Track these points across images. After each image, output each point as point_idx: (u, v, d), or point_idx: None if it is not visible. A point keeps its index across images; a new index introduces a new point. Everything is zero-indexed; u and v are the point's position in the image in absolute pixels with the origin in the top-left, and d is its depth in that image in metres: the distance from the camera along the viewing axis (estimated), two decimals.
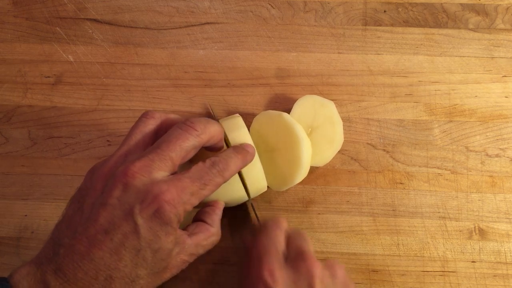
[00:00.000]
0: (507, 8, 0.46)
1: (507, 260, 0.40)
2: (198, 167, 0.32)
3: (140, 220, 0.28)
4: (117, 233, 0.28)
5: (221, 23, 0.46)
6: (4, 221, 0.42)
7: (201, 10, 0.47)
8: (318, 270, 0.32)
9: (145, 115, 0.33)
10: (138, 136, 0.33)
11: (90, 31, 0.46)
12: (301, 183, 0.41)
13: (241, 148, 0.35)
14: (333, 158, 0.41)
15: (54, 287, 0.27)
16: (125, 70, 0.45)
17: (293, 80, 0.45)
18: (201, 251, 0.34)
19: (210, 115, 0.43)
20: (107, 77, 0.45)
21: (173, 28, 0.46)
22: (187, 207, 0.30)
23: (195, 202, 0.31)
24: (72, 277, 0.28)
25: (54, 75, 0.45)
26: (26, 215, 0.42)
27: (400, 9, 0.46)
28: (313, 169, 0.42)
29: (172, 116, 0.34)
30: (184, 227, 0.35)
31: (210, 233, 0.35)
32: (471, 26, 0.46)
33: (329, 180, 0.42)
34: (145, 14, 0.47)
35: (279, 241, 0.35)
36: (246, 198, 0.39)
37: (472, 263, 0.40)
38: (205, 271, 0.40)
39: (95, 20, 0.47)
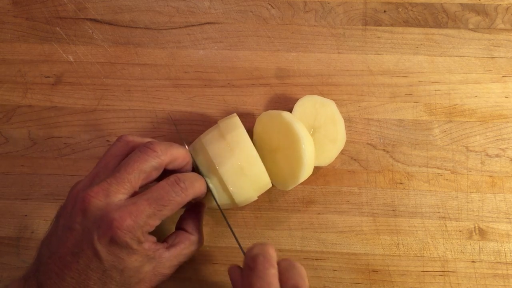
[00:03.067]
0: (507, 8, 0.46)
1: (507, 260, 0.40)
2: (159, 186, 0.32)
3: (99, 246, 0.30)
4: (82, 256, 0.30)
5: (221, 23, 0.46)
6: (4, 221, 0.42)
7: (201, 10, 0.47)
8: None
9: (118, 139, 0.35)
10: (108, 159, 0.34)
11: (90, 31, 0.46)
12: (301, 183, 0.41)
13: None
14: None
15: None
16: (125, 70, 0.45)
17: (293, 80, 0.45)
18: (182, 259, 0.35)
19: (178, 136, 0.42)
20: (107, 77, 0.45)
21: (173, 28, 0.46)
22: (146, 228, 0.31)
23: (154, 223, 0.32)
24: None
25: (54, 75, 0.45)
26: (26, 215, 0.42)
27: (400, 9, 0.46)
28: (313, 169, 0.42)
29: (146, 140, 0.34)
30: (165, 238, 0.35)
31: (190, 241, 0.35)
32: (471, 26, 0.46)
33: (329, 180, 0.42)
34: (145, 14, 0.47)
35: (273, 283, 0.30)
36: (255, 198, 0.38)
37: (472, 263, 0.40)
38: (205, 271, 0.40)
39: (95, 20, 0.47)
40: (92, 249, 0.30)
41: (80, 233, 0.31)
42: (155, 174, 0.33)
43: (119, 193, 0.31)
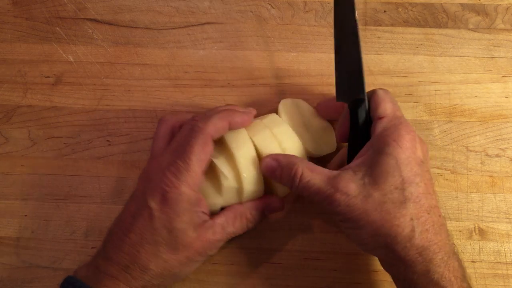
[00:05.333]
0: (507, 8, 0.46)
1: (507, 260, 0.40)
2: (178, 139, 0.36)
3: (152, 204, 0.34)
4: (139, 217, 0.34)
5: (221, 23, 0.46)
6: (4, 221, 0.42)
7: (201, 10, 0.47)
8: None
9: (159, 121, 0.39)
10: (159, 143, 0.38)
11: (90, 31, 0.46)
12: None
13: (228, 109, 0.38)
14: (334, 158, 0.41)
15: (102, 266, 0.34)
16: (125, 70, 0.45)
17: (293, 80, 0.45)
18: (230, 229, 0.36)
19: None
20: (107, 77, 0.45)
21: (173, 28, 0.46)
22: (190, 182, 0.34)
23: (196, 172, 0.34)
24: (113, 256, 0.34)
25: (54, 75, 0.45)
26: (26, 215, 0.42)
27: (400, 9, 0.46)
28: None
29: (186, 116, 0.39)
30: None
31: (238, 211, 0.37)
32: (471, 26, 0.46)
33: None
34: (145, 14, 0.47)
35: None
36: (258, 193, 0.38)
37: (472, 263, 0.40)
38: (205, 271, 0.40)
39: (95, 20, 0.47)
40: (147, 209, 0.34)
41: (138, 198, 0.35)
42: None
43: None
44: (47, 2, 0.47)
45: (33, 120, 0.44)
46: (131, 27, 0.46)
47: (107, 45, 0.46)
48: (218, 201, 0.37)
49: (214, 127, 0.35)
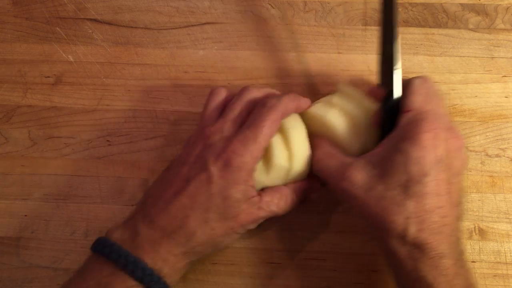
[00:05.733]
0: (507, 8, 0.46)
1: (507, 260, 0.40)
2: (252, 114, 0.36)
3: (213, 168, 0.34)
4: (194, 181, 0.34)
5: (221, 23, 0.46)
6: (4, 221, 0.42)
7: (201, 10, 0.47)
8: None
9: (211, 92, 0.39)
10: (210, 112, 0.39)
11: (90, 31, 0.46)
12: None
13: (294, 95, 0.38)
14: None
15: (142, 229, 0.33)
16: (125, 70, 0.45)
17: (293, 80, 0.45)
18: (274, 208, 0.37)
19: None
20: (107, 77, 0.45)
21: (173, 28, 0.46)
22: (254, 153, 0.34)
23: (261, 144, 0.35)
24: (156, 219, 0.33)
25: (54, 75, 0.45)
26: (26, 215, 0.42)
27: (400, 9, 0.46)
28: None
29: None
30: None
31: (283, 194, 0.37)
32: (471, 26, 0.46)
33: None
34: (145, 14, 0.47)
35: None
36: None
37: (472, 263, 0.40)
38: (205, 271, 0.40)
39: (95, 20, 0.47)
40: (206, 173, 0.34)
41: (193, 162, 0.35)
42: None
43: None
44: (47, 2, 0.47)
45: (33, 120, 0.44)
46: (131, 27, 0.46)
47: (107, 45, 0.46)
48: (263, 179, 0.37)
49: (285, 107, 0.36)
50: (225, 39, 0.46)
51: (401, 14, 0.46)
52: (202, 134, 0.36)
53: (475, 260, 0.40)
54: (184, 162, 0.35)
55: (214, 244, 0.35)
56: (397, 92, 0.36)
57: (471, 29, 0.46)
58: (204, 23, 0.46)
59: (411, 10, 0.46)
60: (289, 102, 0.37)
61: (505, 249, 0.40)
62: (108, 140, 0.44)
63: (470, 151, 0.43)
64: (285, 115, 0.37)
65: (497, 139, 0.43)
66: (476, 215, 0.41)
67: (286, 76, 0.45)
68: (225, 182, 0.34)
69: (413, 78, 0.36)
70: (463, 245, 0.33)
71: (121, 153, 0.43)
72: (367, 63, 0.45)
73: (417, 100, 0.34)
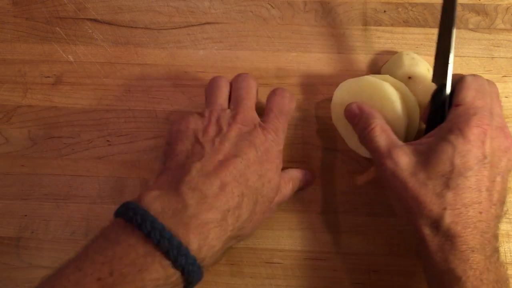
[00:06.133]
0: (507, 8, 0.46)
1: (507, 260, 0.40)
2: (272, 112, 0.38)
3: (251, 155, 0.34)
4: (247, 155, 0.34)
5: (221, 23, 0.46)
6: (4, 221, 0.42)
7: (201, 10, 0.47)
8: None
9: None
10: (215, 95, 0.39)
11: (90, 31, 0.46)
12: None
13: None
14: (334, 158, 0.42)
15: (189, 201, 0.30)
16: (125, 70, 0.45)
17: (293, 80, 0.45)
18: (285, 192, 0.38)
19: None
20: (107, 77, 0.45)
21: (173, 28, 0.46)
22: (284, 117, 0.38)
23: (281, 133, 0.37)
24: (207, 191, 0.31)
25: (54, 75, 0.45)
26: (26, 215, 0.42)
27: (400, 9, 0.46)
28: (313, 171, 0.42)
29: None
30: None
31: (301, 173, 0.40)
32: (471, 26, 0.46)
33: (329, 180, 0.42)
34: (145, 14, 0.47)
35: None
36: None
37: None
38: (205, 271, 0.40)
39: (95, 20, 0.47)
40: (253, 149, 0.34)
41: (244, 139, 0.35)
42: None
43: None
44: (47, 2, 0.47)
45: (33, 120, 0.44)
46: (131, 27, 0.46)
47: (107, 45, 0.46)
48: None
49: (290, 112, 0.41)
50: (225, 39, 0.46)
51: (401, 14, 0.46)
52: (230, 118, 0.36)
53: None
54: (227, 138, 0.35)
55: (253, 226, 0.35)
56: (449, 86, 0.37)
57: (471, 29, 0.45)
58: (204, 23, 0.46)
59: (411, 10, 0.46)
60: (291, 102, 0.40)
61: (505, 249, 0.40)
62: (108, 140, 0.44)
63: None
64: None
65: None
66: None
67: (286, 76, 0.45)
68: (266, 159, 0.35)
69: (465, 75, 0.37)
70: (498, 243, 0.33)
71: (121, 153, 0.43)
72: (367, 63, 0.45)
73: (469, 95, 0.35)
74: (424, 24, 0.46)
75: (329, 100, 0.42)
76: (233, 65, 0.45)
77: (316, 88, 0.44)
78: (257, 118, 0.37)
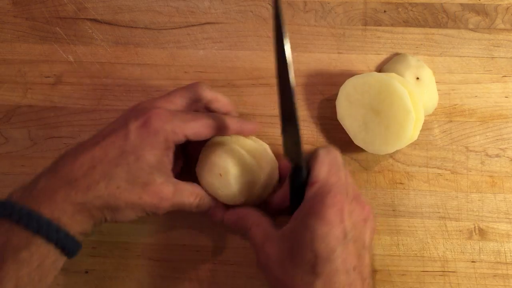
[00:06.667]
0: (507, 8, 0.46)
1: (507, 260, 0.40)
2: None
3: (132, 126, 0.33)
4: (111, 135, 0.33)
5: (221, 23, 0.46)
6: None
7: (201, 10, 0.47)
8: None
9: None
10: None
11: (90, 31, 0.46)
12: None
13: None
14: None
15: (41, 182, 0.32)
16: (125, 70, 0.45)
17: None
18: (184, 200, 0.35)
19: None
20: (107, 77, 0.45)
21: (173, 28, 0.46)
22: (177, 128, 0.34)
23: (187, 127, 0.34)
24: (59, 169, 0.33)
25: (54, 75, 0.45)
26: None
27: (400, 9, 0.46)
28: None
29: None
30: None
31: (195, 190, 0.36)
32: (471, 26, 0.46)
33: None
34: (145, 14, 0.47)
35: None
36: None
37: (472, 263, 0.40)
38: (205, 271, 0.40)
39: (95, 20, 0.47)
40: (124, 129, 0.33)
41: (115, 121, 0.35)
42: (195, 106, 0.38)
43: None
44: (47, 2, 0.47)
45: (33, 120, 0.44)
46: (131, 27, 0.46)
47: (107, 45, 0.46)
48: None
49: (232, 121, 0.38)
50: (225, 39, 0.46)
51: (401, 14, 0.46)
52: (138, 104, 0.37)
53: (475, 260, 0.40)
54: (110, 124, 0.36)
55: (116, 206, 0.33)
56: (303, 165, 0.35)
57: (471, 29, 0.46)
58: (204, 23, 0.46)
59: (411, 10, 0.46)
60: (237, 122, 0.37)
61: (505, 249, 0.40)
62: None
63: (470, 151, 0.43)
64: (224, 128, 0.36)
65: (497, 139, 0.43)
66: (476, 215, 0.41)
67: None
68: (141, 141, 0.33)
69: (318, 148, 0.35)
70: None
71: None
72: (367, 63, 0.45)
73: (323, 172, 0.34)
74: (424, 24, 0.46)
75: (329, 100, 0.42)
76: (233, 65, 0.45)
77: (316, 88, 0.44)
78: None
